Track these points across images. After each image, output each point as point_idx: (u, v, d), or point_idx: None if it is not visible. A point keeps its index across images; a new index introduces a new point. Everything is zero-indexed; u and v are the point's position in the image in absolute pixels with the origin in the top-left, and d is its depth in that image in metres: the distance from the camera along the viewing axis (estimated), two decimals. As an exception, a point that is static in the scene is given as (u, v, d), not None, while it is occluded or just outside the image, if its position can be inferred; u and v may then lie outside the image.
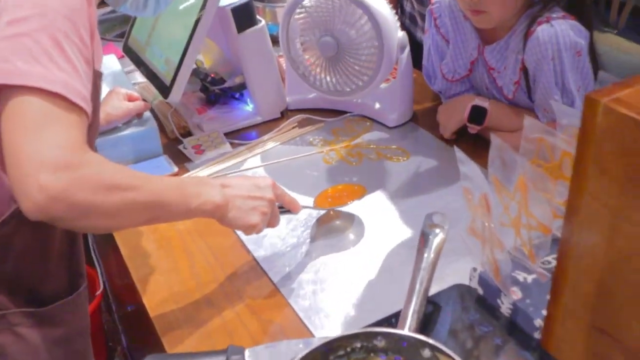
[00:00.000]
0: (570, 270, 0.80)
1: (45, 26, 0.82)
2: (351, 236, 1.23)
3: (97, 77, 1.01)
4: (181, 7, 1.51)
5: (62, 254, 1.04)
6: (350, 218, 1.27)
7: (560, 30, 1.28)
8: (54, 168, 0.78)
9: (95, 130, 1.08)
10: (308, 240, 1.21)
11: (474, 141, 1.47)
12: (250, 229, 1.04)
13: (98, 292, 1.73)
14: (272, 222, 1.09)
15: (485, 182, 0.87)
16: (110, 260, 1.53)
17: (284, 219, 1.18)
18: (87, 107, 0.84)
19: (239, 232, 1.23)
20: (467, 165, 0.90)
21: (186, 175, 1.44)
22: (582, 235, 0.78)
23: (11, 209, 0.93)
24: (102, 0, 1.10)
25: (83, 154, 0.81)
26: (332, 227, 1.25)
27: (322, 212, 1.26)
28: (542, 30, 1.29)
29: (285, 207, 1.13)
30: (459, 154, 0.90)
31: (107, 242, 1.38)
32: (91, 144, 1.07)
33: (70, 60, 0.83)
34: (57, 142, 0.79)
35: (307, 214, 1.27)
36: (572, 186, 0.77)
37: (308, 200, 1.26)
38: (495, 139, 0.95)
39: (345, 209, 1.27)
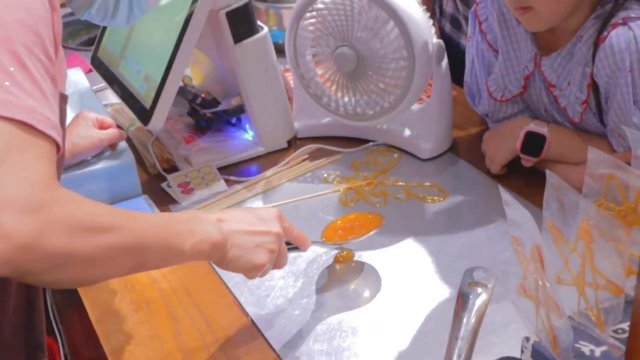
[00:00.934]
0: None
1: (3, 39, 0.85)
2: (366, 291, 1.28)
3: (61, 101, 1.05)
4: (163, 10, 1.57)
5: (18, 322, 1.07)
6: (360, 267, 1.33)
7: None
8: (21, 209, 0.79)
9: (60, 165, 1.11)
10: (314, 294, 1.27)
11: (528, 176, 1.50)
12: (254, 271, 1.06)
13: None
14: (279, 262, 1.11)
15: (537, 231, 0.90)
16: (74, 325, 1.56)
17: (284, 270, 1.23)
18: (58, 136, 0.88)
19: (236, 292, 1.26)
20: (514, 209, 0.93)
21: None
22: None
23: None
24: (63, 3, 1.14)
25: (54, 190, 0.83)
26: (342, 277, 1.31)
27: (329, 262, 1.33)
28: (616, 35, 1.32)
29: (293, 243, 1.17)
30: (505, 194, 0.94)
31: (71, 303, 1.41)
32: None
33: (35, 80, 0.87)
34: (22, 178, 0.81)
35: (311, 263, 1.32)
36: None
37: (320, 251, 1.30)
38: (551, 177, 0.98)
39: (361, 252, 1.33)
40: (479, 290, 1.01)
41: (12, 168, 0.81)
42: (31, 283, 0.87)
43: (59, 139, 0.88)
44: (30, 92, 0.85)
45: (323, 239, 1.30)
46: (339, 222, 1.35)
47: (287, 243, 1.15)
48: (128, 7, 1.17)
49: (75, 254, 0.83)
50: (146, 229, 0.92)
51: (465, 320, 0.99)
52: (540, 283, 0.94)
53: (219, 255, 1.01)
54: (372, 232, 1.30)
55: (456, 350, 0.96)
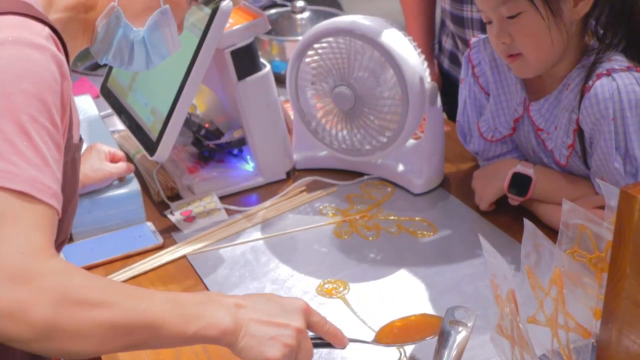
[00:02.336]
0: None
1: (8, 109, 0.89)
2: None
3: (75, 150, 1.12)
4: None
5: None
6: None
7: (623, 85, 1.37)
8: (9, 278, 0.82)
9: (72, 212, 1.17)
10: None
11: (515, 214, 1.57)
12: None
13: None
14: (300, 359, 1.03)
15: (513, 277, 0.97)
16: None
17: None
18: (57, 203, 0.91)
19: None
20: (493, 257, 1.00)
21: (174, 247, 1.55)
22: (621, 341, 0.88)
23: None
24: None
25: (46, 260, 0.86)
26: None
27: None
28: (601, 85, 1.39)
29: (326, 340, 1.09)
30: (484, 242, 1.01)
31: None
32: (68, 226, 1.17)
33: (38, 149, 0.90)
34: (15, 247, 0.84)
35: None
36: (609, 287, 0.87)
37: (314, 283, 1.34)
38: (528, 225, 1.05)
39: (353, 284, 1.37)
40: (460, 328, 1.09)
41: (7, 237, 0.84)
42: (20, 349, 0.88)
43: (58, 206, 0.91)
44: (33, 162, 0.89)
45: (375, 339, 1.20)
46: (397, 323, 1.23)
47: (320, 339, 1.08)
48: (145, 55, 1.20)
49: (61, 327, 0.84)
50: (145, 308, 0.91)
51: (445, 355, 1.06)
52: (514, 324, 1.01)
53: (229, 341, 0.97)
54: (427, 339, 1.16)
55: (436, 385, 1.04)
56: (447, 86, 2.13)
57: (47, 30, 0.99)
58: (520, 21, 1.40)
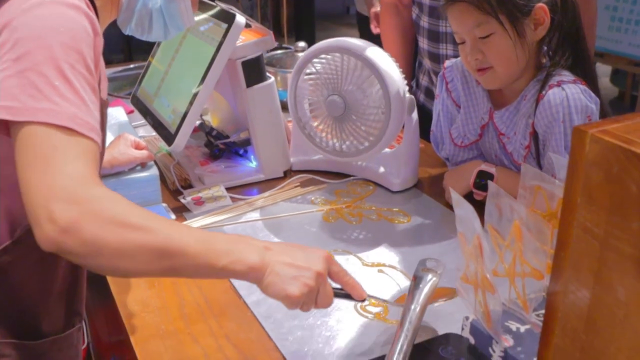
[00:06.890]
0: (560, 306, 0.84)
1: (50, 58, 0.87)
2: None
3: (103, 105, 1.08)
4: (192, 59, 1.61)
5: (63, 292, 1.08)
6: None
7: (571, 94, 1.37)
8: (64, 200, 0.81)
9: (100, 161, 1.14)
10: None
11: (478, 208, 1.50)
12: (287, 300, 0.94)
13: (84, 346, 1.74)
14: (321, 302, 0.97)
15: (479, 224, 0.92)
16: (94, 301, 1.56)
17: None
18: (97, 137, 0.89)
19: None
20: (461, 207, 0.95)
21: (184, 223, 1.49)
22: (572, 269, 0.82)
23: (12, 238, 0.98)
24: (107, 61, 1.17)
25: (94, 186, 0.84)
26: None
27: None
28: (553, 94, 1.38)
29: (345, 290, 1.01)
30: (454, 195, 0.96)
31: (93, 278, 1.42)
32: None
33: (77, 91, 0.88)
34: (67, 174, 0.82)
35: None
36: (562, 219, 0.81)
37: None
38: (492, 186, 1.01)
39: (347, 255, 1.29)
40: (430, 275, 1.04)
41: (58, 165, 0.83)
42: (77, 264, 0.86)
43: (97, 139, 0.88)
44: (72, 102, 0.87)
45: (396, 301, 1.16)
46: None
47: (341, 289, 1.01)
48: (163, 26, 1.17)
49: (106, 244, 0.82)
50: (182, 238, 0.87)
51: (417, 295, 1.01)
52: (478, 269, 0.96)
53: (255, 278, 0.93)
54: (441, 301, 1.13)
55: (408, 318, 0.98)
56: (423, 116, 2.09)
57: None
58: (491, 40, 1.39)
